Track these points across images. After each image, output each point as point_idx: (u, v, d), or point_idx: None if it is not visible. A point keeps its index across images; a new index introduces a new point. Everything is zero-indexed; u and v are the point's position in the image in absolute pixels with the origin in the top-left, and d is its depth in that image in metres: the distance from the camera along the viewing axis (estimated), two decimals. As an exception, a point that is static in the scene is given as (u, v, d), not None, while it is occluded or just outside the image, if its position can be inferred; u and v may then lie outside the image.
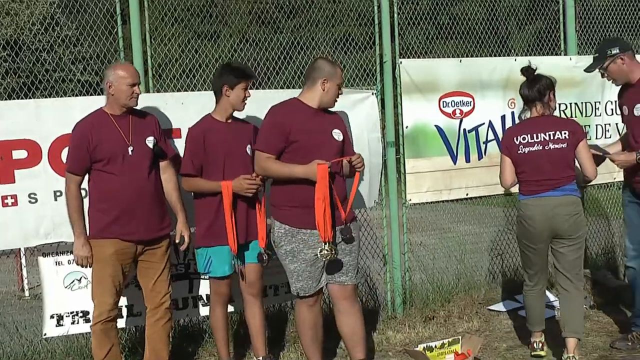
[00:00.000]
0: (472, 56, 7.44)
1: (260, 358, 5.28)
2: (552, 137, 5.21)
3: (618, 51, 5.52)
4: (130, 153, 4.90)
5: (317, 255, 4.81)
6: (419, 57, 7.40)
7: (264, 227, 5.11)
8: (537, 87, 5.32)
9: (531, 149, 5.24)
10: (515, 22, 8.25)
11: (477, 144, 6.90)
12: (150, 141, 5.01)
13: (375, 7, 6.62)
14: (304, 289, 4.92)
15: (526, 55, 7.80)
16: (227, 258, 5.11)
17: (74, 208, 4.89)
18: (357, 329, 5.04)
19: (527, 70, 5.40)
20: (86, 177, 4.94)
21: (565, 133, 5.22)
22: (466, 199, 6.98)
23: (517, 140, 5.29)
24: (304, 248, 4.85)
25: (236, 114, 5.27)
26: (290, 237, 4.86)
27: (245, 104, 5.20)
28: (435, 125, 6.73)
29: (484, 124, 6.94)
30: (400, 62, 6.58)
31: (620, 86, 5.76)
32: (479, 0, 7.79)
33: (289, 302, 6.23)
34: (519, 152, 5.28)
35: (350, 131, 5.67)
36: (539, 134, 5.24)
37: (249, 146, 5.17)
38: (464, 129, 6.83)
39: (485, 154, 6.93)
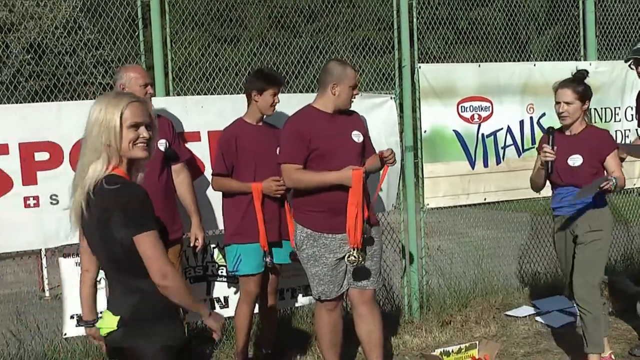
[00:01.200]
0: (490, 61, 7.38)
1: (263, 351, 5.34)
2: None
3: None
4: None
5: (339, 259, 4.76)
6: (437, 61, 7.35)
7: (292, 227, 5.09)
8: None
9: None
10: (534, 27, 8.19)
11: (496, 148, 6.84)
12: (162, 144, 4.98)
13: (395, 12, 6.59)
14: (324, 293, 4.86)
15: (545, 60, 7.73)
16: (256, 256, 5.11)
17: None
18: (374, 334, 5.00)
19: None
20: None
21: None
22: (484, 203, 6.92)
23: None
24: (326, 252, 4.79)
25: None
26: (312, 241, 4.82)
27: (274, 108, 5.21)
28: (454, 130, 6.69)
29: (502, 129, 6.88)
30: (419, 67, 6.55)
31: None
32: (498, 5, 7.73)
33: (292, 307, 6.22)
34: None
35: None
36: None
37: (278, 148, 5.16)
38: (482, 134, 6.78)
39: (503, 159, 6.87)
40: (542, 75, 6.96)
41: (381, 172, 4.97)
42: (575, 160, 4.98)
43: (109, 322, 3.02)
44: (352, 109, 5.05)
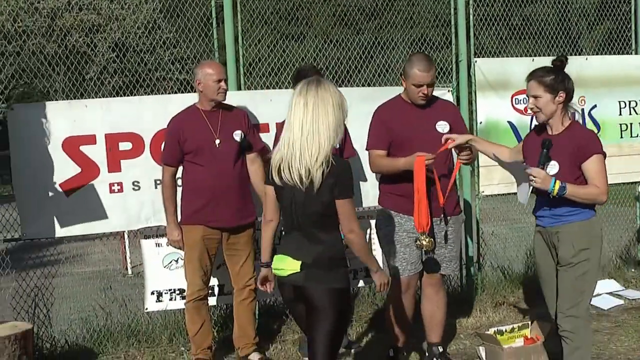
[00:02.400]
0: (542, 56, 7.20)
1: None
2: None
3: None
4: (217, 146, 4.92)
5: (413, 240, 4.67)
6: (492, 56, 7.21)
7: None
8: None
9: None
10: (585, 22, 7.95)
11: (548, 140, 6.67)
12: (237, 135, 5.00)
13: (452, 9, 6.50)
14: (397, 269, 4.77)
15: (597, 54, 7.51)
16: None
17: (167, 196, 4.96)
18: (436, 315, 4.94)
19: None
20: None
21: None
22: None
23: None
24: (399, 230, 4.70)
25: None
26: (388, 219, 4.75)
27: None
28: (508, 121, 6.56)
29: (554, 120, 6.70)
30: (475, 61, 6.44)
31: None
32: (550, 1, 7.53)
33: (354, 287, 6.14)
34: None
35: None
36: None
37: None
38: (535, 125, 6.62)
39: (555, 149, 6.69)
40: (594, 68, 6.76)
41: (453, 167, 4.76)
42: (552, 168, 4.02)
43: (292, 265, 3.42)
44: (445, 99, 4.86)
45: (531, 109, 4.16)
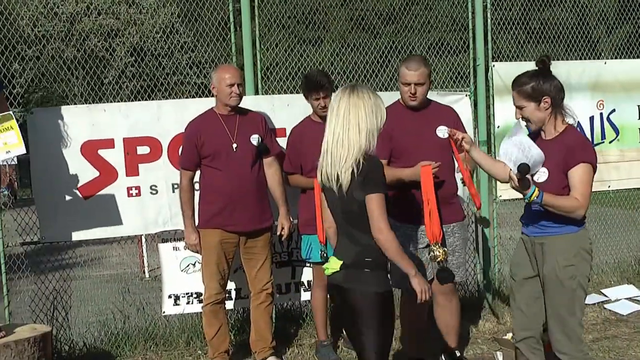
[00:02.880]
0: (561, 60, 7.16)
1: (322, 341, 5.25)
2: None
3: None
4: (234, 150, 4.92)
5: (421, 249, 4.62)
6: (509, 60, 7.18)
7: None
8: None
9: None
10: (604, 26, 7.89)
11: (566, 143, 6.63)
12: (254, 139, 4.99)
13: (470, 13, 6.46)
14: (403, 282, 4.74)
15: (616, 58, 7.45)
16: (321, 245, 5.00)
17: (184, 200, 4.97)
18: (451, 322, 4.90)
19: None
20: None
21: None
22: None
23: None
24: (405, 241, 4.58)
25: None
26: (395, 231, 4.71)
27: (324, 109, 4.92)
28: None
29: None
30: (493, 65, 6.40)
31: None
32: (568, 5, 7.49)
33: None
34: None
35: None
36: None
37: None
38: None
39: (573, 153, 6.65)
40: (613, 72, 6.71)
41: (456, 160, 4.57)
42: (541, 175, 3.76)
43: (333, 265, 3.47)
44: (445, 103, 4.80)
45: (520, 120, 3.89)
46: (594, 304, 6.43)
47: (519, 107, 3.83)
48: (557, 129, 3.81)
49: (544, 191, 3.64)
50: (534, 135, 3.90)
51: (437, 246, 4.44)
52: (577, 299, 3.76)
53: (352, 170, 3.32)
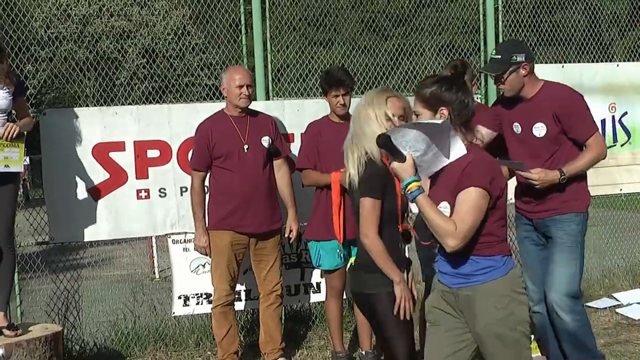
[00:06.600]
0: (573, 62, 7.14)
1: (363, 352, 5.08)
2: None
3: (524, 59, 4.28)
4: (245, 151, 4.93)
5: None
6: (521, 62, 7.15)
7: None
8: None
9: None
10: (617, 28, 7.87)
11: (577, 146, 6.61)
12: (265, 140, 5.00)
13: (481, 16, 6.46)
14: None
15: (628, 61, 7.42)
16: (334, 252, 4.86)
17: (196, 202, 4.98)
18: None
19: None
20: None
21: None
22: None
23: None
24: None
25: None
26: None
27: (342, 107, 4.92)
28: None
29: (583, 127, 6.64)
30: (504, 68, 6.38)
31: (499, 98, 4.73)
32: (580, 7, 7.46)
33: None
34: None
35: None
36: None
37: None
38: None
39: (584, 157, 6.63)
40: (625, 75, 6.69)
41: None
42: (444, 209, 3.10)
43: (352, 260, 3.64)
44: None
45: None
46: (606, 308, 6.40)
47: (415, 114, 3.22)
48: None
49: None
50: None
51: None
52: (523, 349, 3.13)
53: (358, 171, 3.46)
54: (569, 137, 4.33)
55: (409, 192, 3.03)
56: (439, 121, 3.06)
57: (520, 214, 4.57)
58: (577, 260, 4.38)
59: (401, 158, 3.04)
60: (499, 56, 4.34)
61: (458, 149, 3.06)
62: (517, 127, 4.40)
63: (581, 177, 4.39)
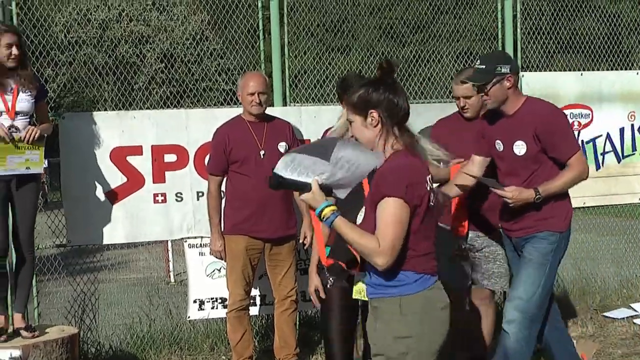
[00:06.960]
0: (590, 70, 7.11)
1: None
2: None
3: (508, 71, 4.15)
4: (262, 157, 4.95)
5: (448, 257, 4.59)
6: (538, 70, 7.13)
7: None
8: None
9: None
10: (636, 36, 7.81)
11: (595, 155, 6.57)
12: (282, 146, 5.02)
13: (499, 23, 6.44)
14: (464, 282, 4.73)
15: (648, 69, 7.37)
16: None
17: (212, 206, 5.01)
18: (485, 330, 4.88)
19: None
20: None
21: None
22: (582, 207, 6.66)
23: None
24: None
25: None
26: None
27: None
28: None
29: (601, 135, 6.59)
30: (523, 75, 6.35)
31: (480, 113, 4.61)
32: (599, 15, 7.43)
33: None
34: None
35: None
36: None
37: None
38: (582, 140, 6.52)
39: (602, 165, 6.59)
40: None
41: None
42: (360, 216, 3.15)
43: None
44: None
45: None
46: (623, 318, 6.34)
47: (349, 122, 3.01)
48: (386, 155, 2.92)
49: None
50: None
51: (456, 244, 4.49)
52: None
53: None
54: (549, 157, 4.19)
55: (324, 219, 2.81)
56: (328, 139, 3.14)
57: (504, 233, 4.51)
58: (542, 281, 4.19)
59: (307, 188, 2.81)
60: (484, 66, 4.20)
61: (371, 156, 2.88)
62: (499, 145, 4.27)
63: (561, 195, 4.22)
